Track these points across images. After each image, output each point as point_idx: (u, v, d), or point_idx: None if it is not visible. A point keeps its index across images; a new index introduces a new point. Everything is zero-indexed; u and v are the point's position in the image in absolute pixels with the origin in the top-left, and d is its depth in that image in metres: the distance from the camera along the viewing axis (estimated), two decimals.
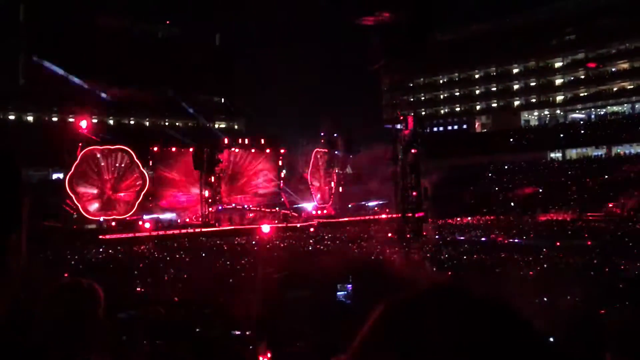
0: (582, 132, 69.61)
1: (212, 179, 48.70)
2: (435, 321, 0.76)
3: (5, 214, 1.19)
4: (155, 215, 46.18)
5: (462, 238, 35.07)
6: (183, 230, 43.55)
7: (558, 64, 74.67)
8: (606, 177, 54.35)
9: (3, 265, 1.18)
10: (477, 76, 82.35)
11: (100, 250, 32.50)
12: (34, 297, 2.51)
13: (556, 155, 71.07)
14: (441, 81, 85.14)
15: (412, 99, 79.91)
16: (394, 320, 0.80)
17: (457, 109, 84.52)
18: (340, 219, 51.35)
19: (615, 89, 70.29)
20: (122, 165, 46.36)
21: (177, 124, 75.66)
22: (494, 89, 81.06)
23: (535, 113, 78.46)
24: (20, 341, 1.92)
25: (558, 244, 28.10)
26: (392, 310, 0.82)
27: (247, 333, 10.17)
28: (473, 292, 0.81)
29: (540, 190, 55.09)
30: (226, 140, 53.70)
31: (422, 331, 0.75)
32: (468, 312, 0.77)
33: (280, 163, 56.80)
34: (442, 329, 0.75)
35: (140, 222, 43.69)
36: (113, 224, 44.27)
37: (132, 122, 75.10)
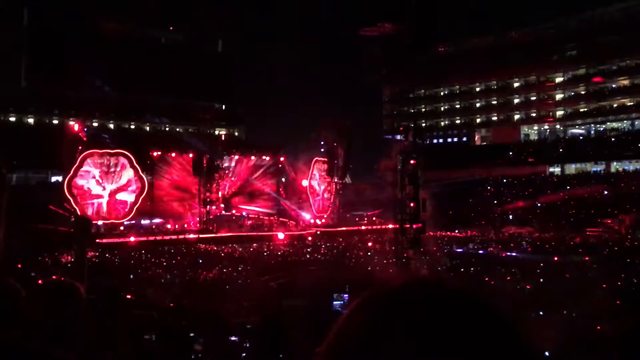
0: (582, 147, 69.69)
1: (211, 185, 48.70)
2: (410, 312, 0.75)
3: None
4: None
5: (459, 250, 35.08)
6: (181, 236, 43.52)
7: (559, 79, 74.87)
8: (605, 193, 54.37)
9: None
10: (477, 89, 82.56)
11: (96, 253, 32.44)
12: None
13: (555, 169, 71.11)
14: (442, 93, 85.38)
15: (412, 110, 79.70)
16: (369, 311, 0.79)
17: (457, 122, 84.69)
18: (338, 229, 51.33)
19: (615, 105, 70.47)
20: (121, 169, 46.36)
21: (177, 129, 75.69)
22: (494, 102, 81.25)
23: (535, 127, 78.57)
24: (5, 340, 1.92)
25: (556, 258, 28.11)
26: (367, 302, 0.81)
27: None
28: (450, 285, 0.80)
29: (539, 205, 55.09)
30: (226, 147, 53.76)
31: (397, 322, 0.74)
32: (442, 304, 0.76)
33: (279, 171, 56.83)
34: (417, 320, 0.73)
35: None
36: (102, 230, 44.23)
37: (132, 127, 75.14)
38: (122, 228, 44.27)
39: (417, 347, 0.70)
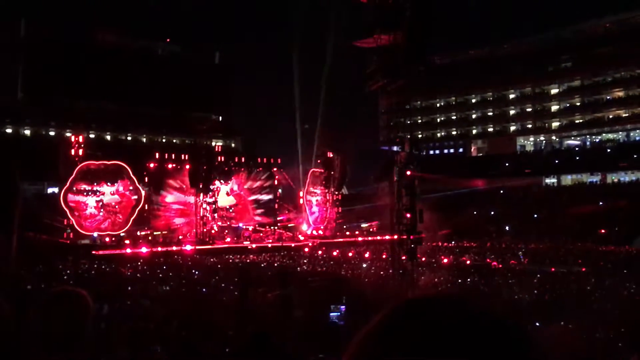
0: (577, 158, 69.91)
1: (208, 196, 48.64)
2: (441, 326, 0.76)
3: None
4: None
5: (456, 262, 35.03)
6: (177, 248, 43.39)
7: (554, 91, 75.25)
8: (601, 203, 54.44)
9: None
10: (473, 100, 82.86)
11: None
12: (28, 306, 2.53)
13: (551, 180, 71.30)
14: (438, 104, 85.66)
15: (408, 122, 79.58)
16: (400, 319, 0.80)
17: (454, 133, 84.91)
18: (335, 240, 51.25)
19: (610, 116, 70.82)
20: (118, 180, 46.24)
21: (174, 140, 75.73)
22: (490, 113, 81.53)
23: (531, 138, 78.83)
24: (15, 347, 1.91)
25: (553, 269, 28.12)
26: (399, 310, 0.82)
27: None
28: (474, 302, 0.82)
29: (535, 216, 55.13)
30: (223, 159, 53.77)
31: (425, 334, 0.75)
32: (476, 322, 0.77)
33: (276, 182, 56.83)
34: (447, 334, 0.75)
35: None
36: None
37: (129, 138, 75.14)
38: (126, 242, 43.67)
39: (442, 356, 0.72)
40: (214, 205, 49.61)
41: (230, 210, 53.04)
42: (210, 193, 48.96)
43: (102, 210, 44.95)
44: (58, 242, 40.66)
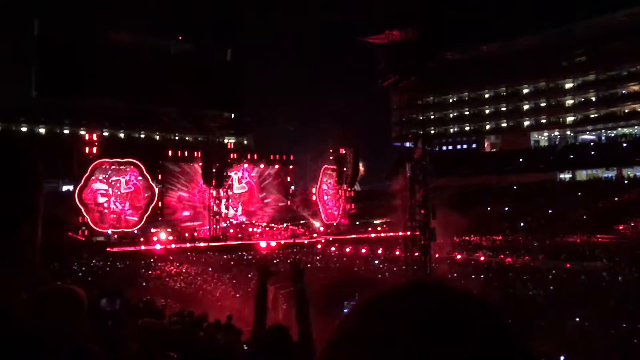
0: (592, 153, 69.31)
1: (221, 193, 48.78)
2: (407, 316, 0.73)
3: (16, 199, 1.13)
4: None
5: (470, 257, 34.92)
6: (190, 245, 43.57)
7: (568, 85, 74.62)
8: (616, 199, 53.95)
9: (17, 253, 1.13)
10: (486, 96, 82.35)
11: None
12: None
13: (566, 176, 70.75)
14: (451, 100, 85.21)
15: (421, 118, 78.99)
16: (365, 315, 0.78)
17: (467, 128, 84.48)
18: (348, 236, 51.20)
19: (626, 111, 70.09)
20: (131, 178, 46.54)
21: (187, 138, 75.97)
22: (504, 108, 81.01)
23: (545, 133, 78.27)
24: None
25: (568, 265, 27.93)
26: (363, 307, 0.79)
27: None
28: (448, 288, 0.77)
29: (550, 211, 54.72)
30: (235, 156, 53.92)
31: (393, 326, 0.72)
32: (441, 307, 0.74)
33: (288, 179, 56.86)
34: (413, 324, 0.71)
35: None
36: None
37: (142, 136, 75.52)
38: (142, 239, 43.78)
39: (412, 351, 0.69)
40: (226, 202, 49.63)
41: (243, 207, 53.10)
42: (223, 190, 49.04)
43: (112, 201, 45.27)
44: (73, 239, 41.02)
